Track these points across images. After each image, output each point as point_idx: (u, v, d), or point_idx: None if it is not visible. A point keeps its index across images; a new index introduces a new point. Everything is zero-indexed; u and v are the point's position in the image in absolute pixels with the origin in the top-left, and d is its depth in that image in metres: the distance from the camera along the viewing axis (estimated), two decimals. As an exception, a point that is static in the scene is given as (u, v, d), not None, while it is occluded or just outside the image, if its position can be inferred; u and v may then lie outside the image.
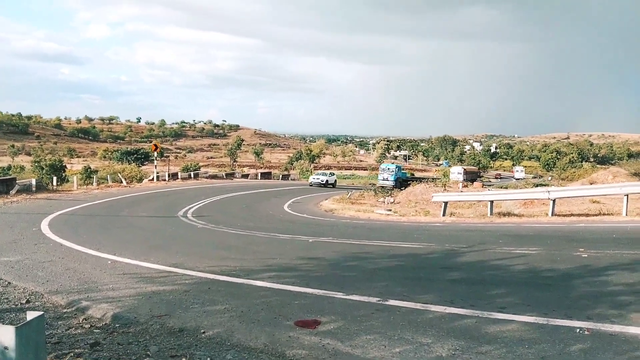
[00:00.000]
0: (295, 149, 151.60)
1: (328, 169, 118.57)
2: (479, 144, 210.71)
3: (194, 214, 19.84)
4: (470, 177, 70.00)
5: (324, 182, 46.07)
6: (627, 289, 6.21)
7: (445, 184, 39.98)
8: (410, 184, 46.85)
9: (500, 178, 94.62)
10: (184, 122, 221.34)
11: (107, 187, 32.48)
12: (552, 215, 16.77)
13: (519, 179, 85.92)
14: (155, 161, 43.48)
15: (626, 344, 4.33)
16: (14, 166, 72.50)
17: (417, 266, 8.78)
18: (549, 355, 4.12)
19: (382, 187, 50.26)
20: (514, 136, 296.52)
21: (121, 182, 37.42)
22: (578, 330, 4.68)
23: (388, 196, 31.57)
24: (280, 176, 64.58)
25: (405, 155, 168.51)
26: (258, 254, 10.15)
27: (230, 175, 55.79)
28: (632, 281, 6.74)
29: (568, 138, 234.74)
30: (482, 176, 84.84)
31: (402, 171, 60.21)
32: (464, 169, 76.99)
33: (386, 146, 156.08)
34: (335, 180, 50.20)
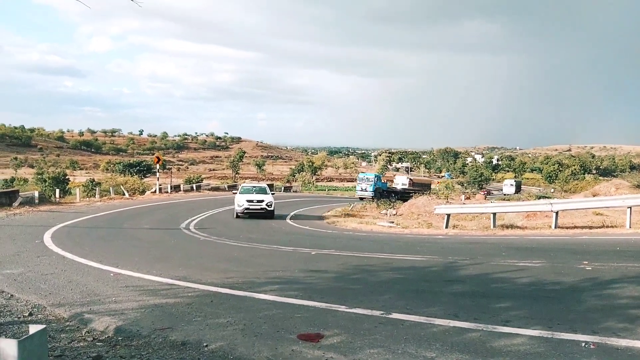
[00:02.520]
0: (297, 161, 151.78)
1: (329, 181, 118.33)
2: (480, 156, 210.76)
3: (196, 226, 19.82)
4: (420, 189, 54.94)
5: (261, 208, 24.07)
6: (633, 303, 6.17)
7: (447, 196, 39.83)
8: (404, 196, 45.88)
9: (488, 194, 69.13)
10: (186, 135, 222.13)
11: (109, 200, 32.52)
12: (555, 227, 16.72)
13: (507, 194, 69.20)
14: (157, 173, 43.58)
15: (633, 359, 4.29)
16: (17, 178, 72.70)
17: (420, 279, 8.73)
18: (554, 369, 4.09)
19: (361, 198, 47.63)
20: (515, 148, 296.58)
21: (124, 194, 37.48)
22: (584, 344, 4.64)
23: (390, 208, 31.53)
24: (283, 188, 64.54)
25: (407, 167, 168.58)
26: (260, 267, 10.11)
27: (233, 188, 55.75)
28: (638, 294, 6.70)
29: (570, 150, 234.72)
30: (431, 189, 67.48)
31: (382, 181, 55.95)
32: (411, 179, 64.46)
33: (388, 158, 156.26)
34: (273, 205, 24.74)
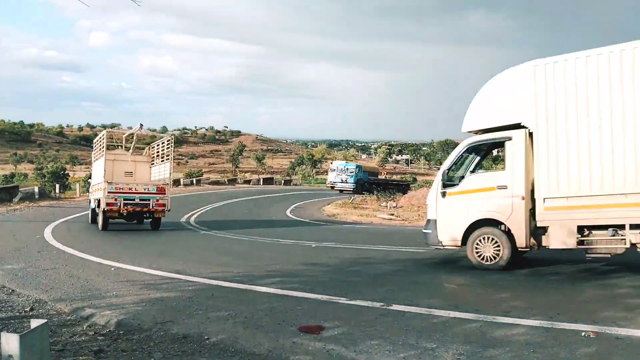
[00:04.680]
0: (297, 154, 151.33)
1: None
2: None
3: (196, 220, 19.86)
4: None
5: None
6: (633, 292, 6.19)
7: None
8: (386, 187, 43.06)
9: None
10: (186, 129, 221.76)
11: (109, 194, 32.47)
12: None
13: None
14: (157, 168, 43.42)
15: (633, 348, 4.31)
16: (17, 174, 72.67)
17: (420, 271, 8.75)
18: (555, 359, 4.10)
19: (340, 190, 43.49)
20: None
21: (123, 189, 37.43)
22: (584, 333, 4.65)
23: (390, 201, 31.53)
24: (283, 181, 64.44)
25: (407, 159, 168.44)
26: (261, 260, 10.13)
27: (233, 181, 55.76)
28: (637, 284, 6.72)
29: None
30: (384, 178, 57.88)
31: (364, 172, 49.33)
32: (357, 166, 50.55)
33: (388, 150, 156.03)
34: None
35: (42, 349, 3.43)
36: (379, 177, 58.94)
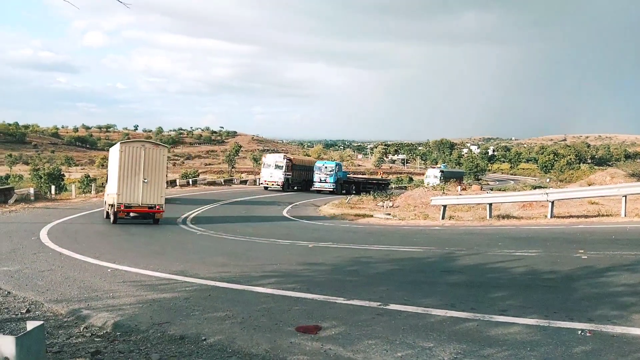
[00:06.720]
0: (293, 154, 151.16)
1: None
2: (476, 147, 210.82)
3: (193, 220, 19.81)
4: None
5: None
6: (628, 290, 6.22)
7: (443, 188, 39.80)
8: (365, 186, 42.02)
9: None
10: (182, 129, 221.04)
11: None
12: (551, 217, 16.78)
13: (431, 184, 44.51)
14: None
15: (628, 345, 4.33)
16: (12, 175, 72.28)
17: (417, 270, 8.77)
18: (551, 357, 4.12)
19: (319, 190, 41.46)
20: (511, 139, 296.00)
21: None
22: (580, 332, 4.67)
23: (387, 200, 31.56)
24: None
25: (403, 159, 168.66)
26: (258, 260, 10.13)
27: (229, 182, 55.58)
28: (633, 282, 6.75)
29: (565, 140, 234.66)
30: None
31: (343, 170, 47.11)
32: (289, 159, 44.33)
33: (384, 150, 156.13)
34: None
35: (38, 351, 3.42)
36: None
